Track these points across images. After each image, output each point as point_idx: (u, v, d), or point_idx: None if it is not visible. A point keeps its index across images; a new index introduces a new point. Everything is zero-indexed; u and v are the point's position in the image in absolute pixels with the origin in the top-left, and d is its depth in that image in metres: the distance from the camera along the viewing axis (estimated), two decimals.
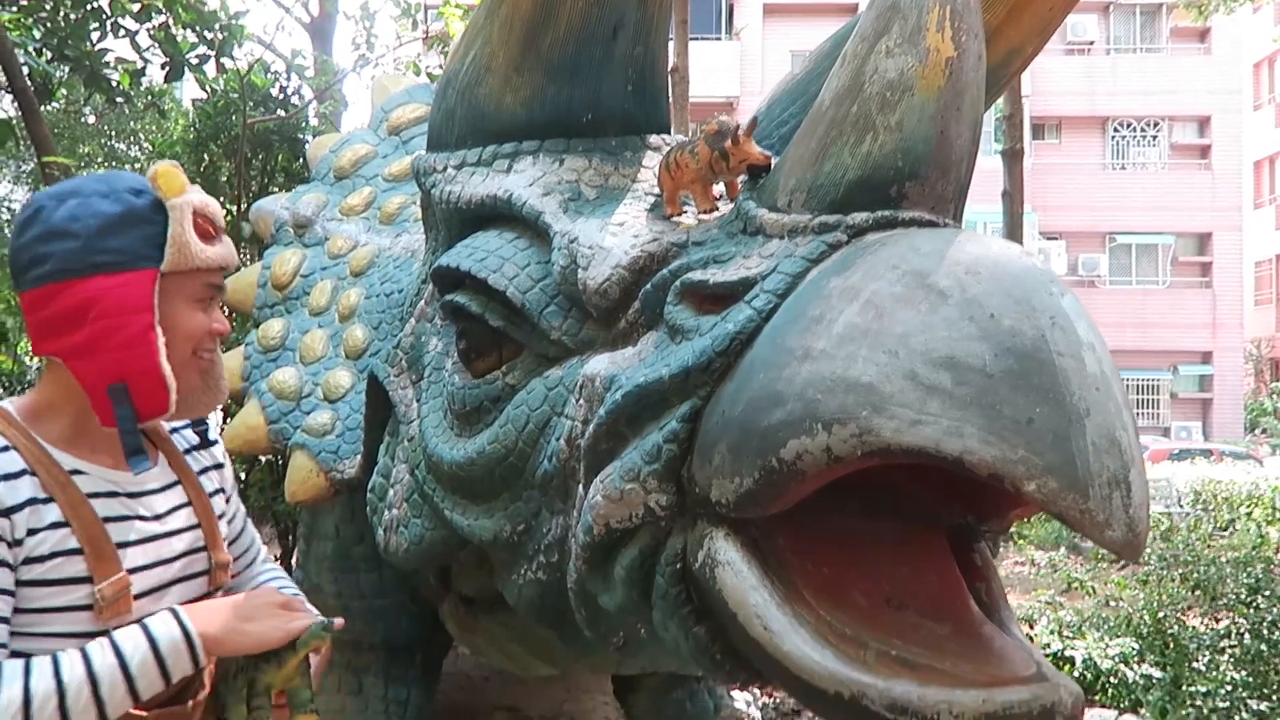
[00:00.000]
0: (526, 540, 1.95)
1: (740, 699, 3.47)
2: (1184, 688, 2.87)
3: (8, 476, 1.28)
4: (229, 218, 6.03)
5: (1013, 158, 9.67)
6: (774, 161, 1.71)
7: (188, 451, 1.61)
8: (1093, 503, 1.09)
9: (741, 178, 1.76)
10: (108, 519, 1.36)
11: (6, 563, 1.26)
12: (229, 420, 5.68)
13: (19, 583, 1.28)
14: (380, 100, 3.92)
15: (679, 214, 1.85)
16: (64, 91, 7.59)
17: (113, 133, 10.46)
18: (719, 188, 1.87)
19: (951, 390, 1.16)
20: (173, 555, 1.46)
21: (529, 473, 1.89)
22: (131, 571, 1.37)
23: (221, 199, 6.15)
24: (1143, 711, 3.72)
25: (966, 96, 1.46)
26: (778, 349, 1.37)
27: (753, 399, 1.37)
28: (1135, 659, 3.02)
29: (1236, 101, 25.62)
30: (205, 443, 1.64)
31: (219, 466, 1.67)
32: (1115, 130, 26.16)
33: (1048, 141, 25.90)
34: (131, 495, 1.42)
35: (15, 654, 1.31)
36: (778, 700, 5.09)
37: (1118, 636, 3.11)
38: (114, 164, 9.78)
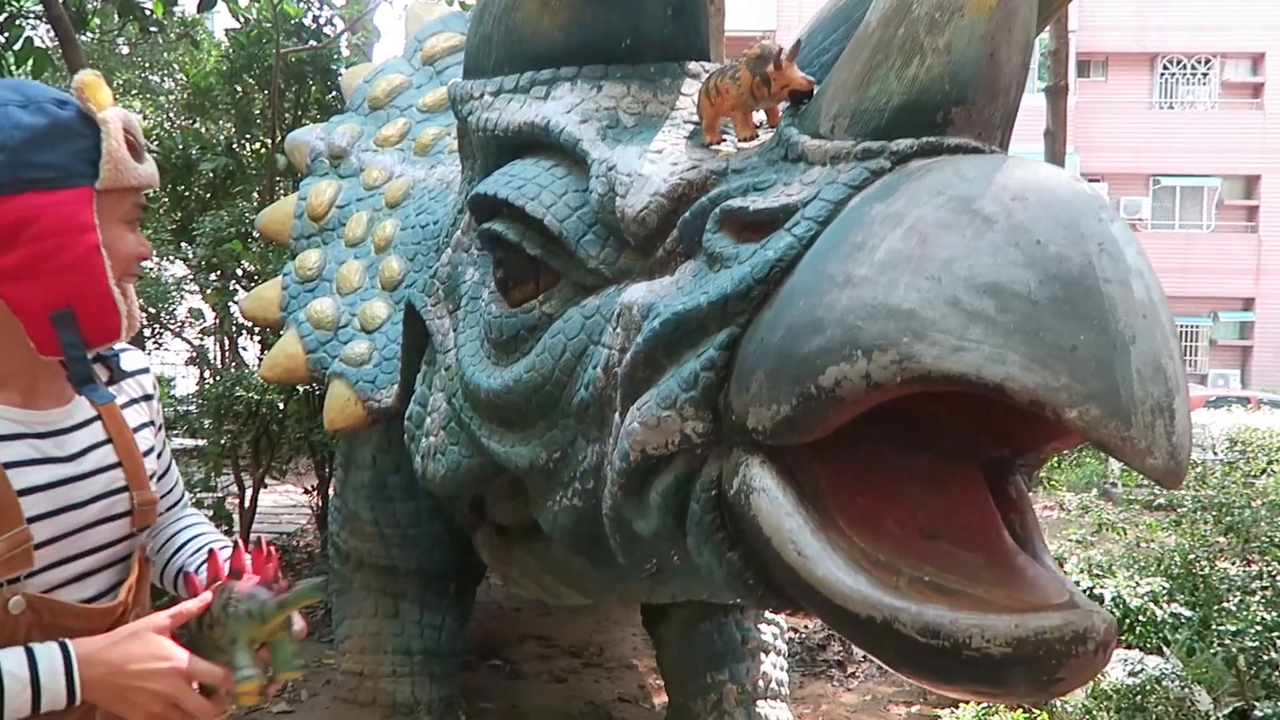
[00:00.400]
0: (562, 467, 1.98)
1: (767, 631, 3.52)
2: (1213, 627, 2.88)
3: None
4: (263, 149, 6.04)
5: (1056, 95, 9.43)
6: (816, 87, 1.68)
7: (111, 382, 1.49)
8: (1135, 430, 1.08)
9: (783, 104, 1.73)
10: (9, 464, 1.27)
11: None
12: (266, 351, 5.78)
13: None
14: (414, 29, 3.89)
15: (718, 141, 1.83)
16: (98, 22, 7.57)
17: (146, 64, 10.47)
18: (759, 115, 1.84)
19: (994, 317, 1.16)
20: (87, 498, 1.36)
21: (565, 401, 1.91)
22: (37, 519, 1.28)
23: (256, 130, 6.16)
24: (1168, 653, 3.75)
25: (1018, 17, 1.42)
26: (818, 276, 1.36)
27: (792, 326, 1.37)
28: (1165, 599, 3.03)
29: None
30: (127, 373, 1.53)
31: (148, 398, 1.56)
32: (1165, 67, 25.33)
33: (1093, 79, 25.15)
34: (41, 435, 1.33)
35: None
36: (804, 634, 5.17)
37: (1148, 576, 3.12)
38: (148, 95, 9.82)
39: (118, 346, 1.51)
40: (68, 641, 1.21)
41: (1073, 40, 13.51)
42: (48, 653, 1.20)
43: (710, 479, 1.58)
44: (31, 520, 1.27)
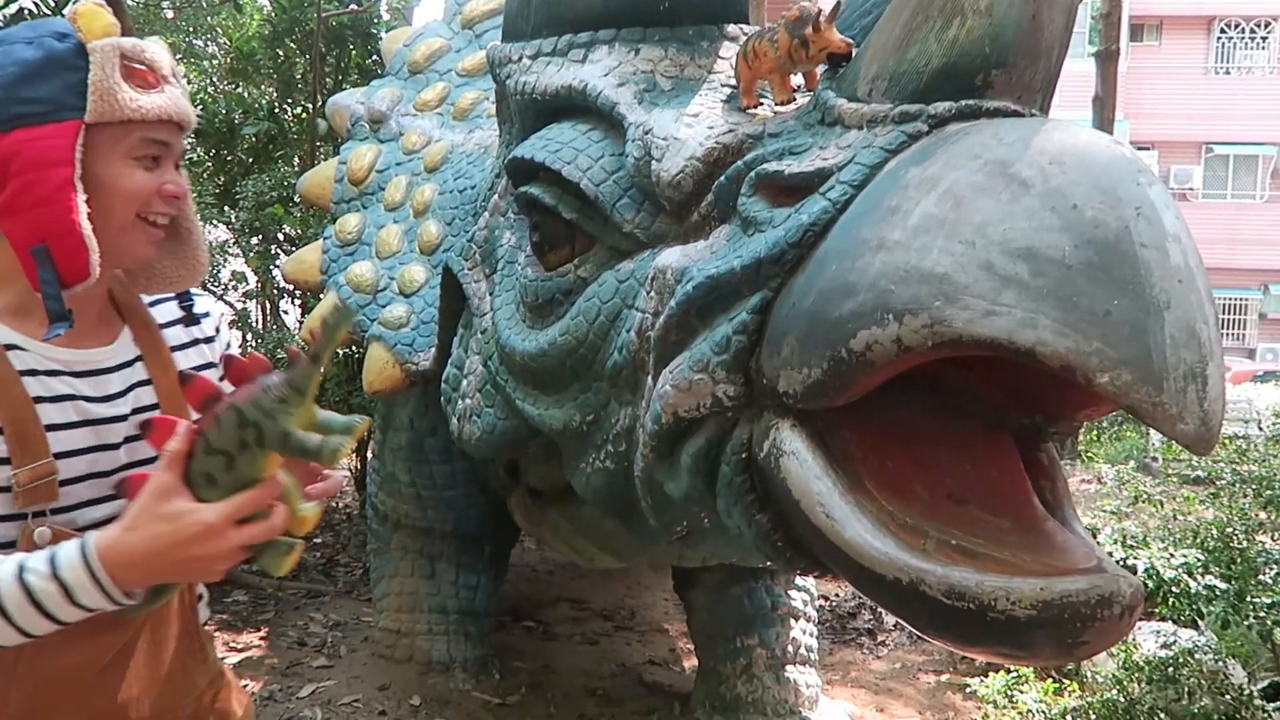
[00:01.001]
0: (595, 430, 2.01)
1: (797, 597, 3.55)
2: (1248, 600, 2.85)
3: None
4: (304, 114, 6.10)
5: (1107, 60, 9.21)
6: (855, 50, 1.66)
7: (167, 325, 1.48)
8: (1166, 396, 1.08)
9: (821, 67, 1.72)
10: (40, 399, 1.26)
11: None
12: (307, 314, 5.87)
13: None
14: None
15: (755, 105, 1.83)
16: None
17: (189, 28, 10.57)
18: (797, 78, 1.83)
19: (1028, 281, 1.15)
20: (119, 439, 1.34)
21: (599, 364, 1.93)
22: (64, 455, 1.27)
23: (297, 94, 6.21)
24: (1202, 625, 3.71)
25: None
26: (851, 240, 1.36)
27: (824, 290, 1.37)
28: (1200, 571, 3.00)
29: None
30: (191, 317, 1.51)
31: (209, 340, 1.53)
32: (1222, 30, 24.53)
33: (1146, 43, 24.42)
34: (78, 374, 1.32)
35: None
36: (834, 602, 5.20)
37: (1183, 549, 3.09)
38: (192, 60, 9.94)
39: (193, 290, 1.52)
40: (88, 535, 1.17)
41: (1125, 3, 13.13)
42: (66, 548, 1.16)
43: (741, 442, 1.60)
44: (59, 456, 1.27)
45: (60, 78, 1.23)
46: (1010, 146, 1.26)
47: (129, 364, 1.40)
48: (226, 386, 1.21)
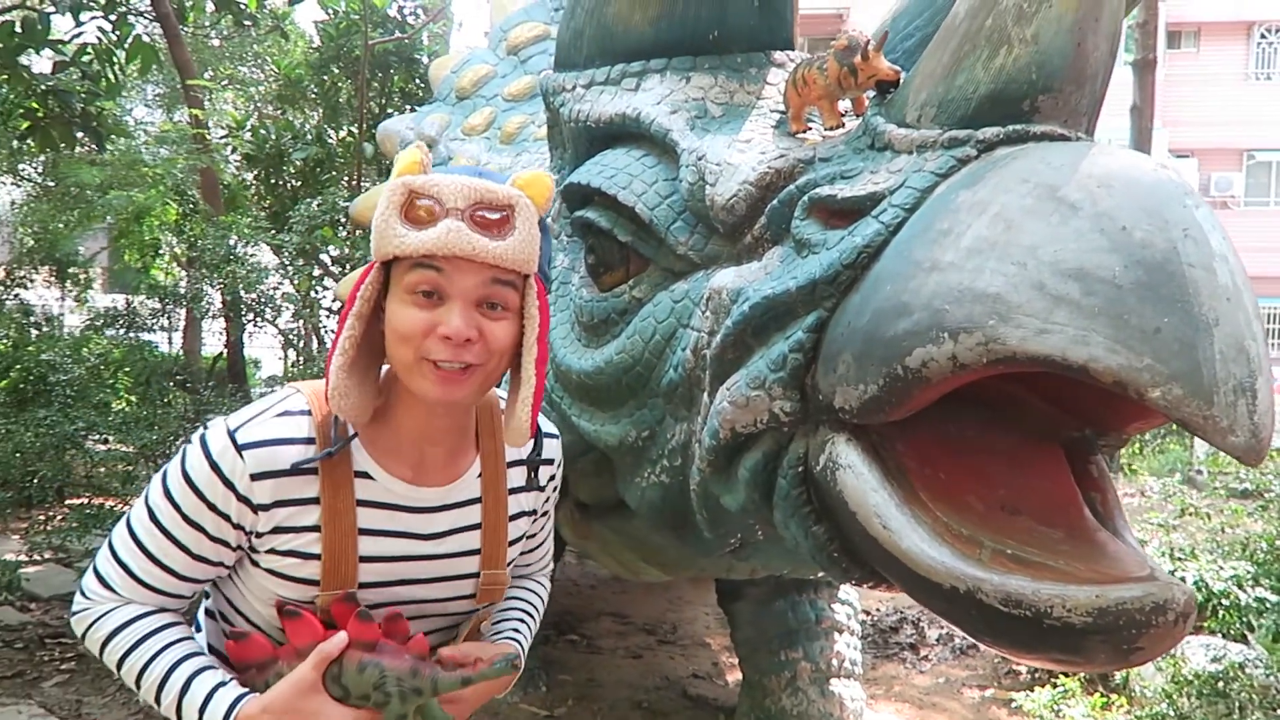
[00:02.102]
0: (651, 445, 2.07)
1: (841, 611, 3.57)
2: None
3: (285, 472, 1.27)
4: (350, 138, 6.26)
5: (1144, 68, 9.13)
6: (902, 77, 1.72)
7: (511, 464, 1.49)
8: (1217, 409, 1.12)
9: (869, 93, 1.78)
10: (368, 531, 1.32)
11: (226, 542, 1.29)
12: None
13: (257, 566, 1.32)
14: (499, 19, 3.99)
15: (804, 130, 1.89)
16: (193, 17, 7.88)
17: (236, 57, 10.85)
18: (845, 104, 1.89)
19: (1079, 300, 1.20)
20: (430, 576, 1.39)
21: (654, 381, 2.00)
22: (368, 586, 1.33)
23: (343, 119, 6.37)
24: (1251, 639, 3.68)
25: (1106, 7, 1.44)
26: (905, 261, 1.41)
27: (879, 309, 1.43)
28: (1250, 583, 2.99)
29: None
30: (534, 477, 1.52)
31: (540, 488, 1.54)
32: (1262, 36, 24.18)
33: (1184, 51, 24.13)
34: (410, 510, 1.36)
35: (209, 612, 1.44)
36: (877, 617, 5.19)
37: (1233, 561, 3.08)
38: (238, 86, 10.20)
39: (545, 429, 1.54)
40: (245, 695, 1.28)
41: (1162, 10, 13.02)
42: (223, 696, 1.27)
43: (797, 456, 1.65)
44: (364, 586, 1.33)
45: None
46: (1058, 170, 1.31)
47: (465, 504, 1.42)
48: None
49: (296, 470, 1.28)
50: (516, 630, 1.57)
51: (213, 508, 1.27)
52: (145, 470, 4.90)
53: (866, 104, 1.79)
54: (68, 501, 5.07)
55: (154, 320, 5.66)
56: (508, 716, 3.63)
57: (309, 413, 1.31)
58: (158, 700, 1.29)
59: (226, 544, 1.30)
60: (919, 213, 1.48)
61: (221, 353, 6.42)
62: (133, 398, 5.36)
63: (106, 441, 4.99)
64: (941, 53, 1.57)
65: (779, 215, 1.75)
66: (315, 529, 1.30)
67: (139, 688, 1.30)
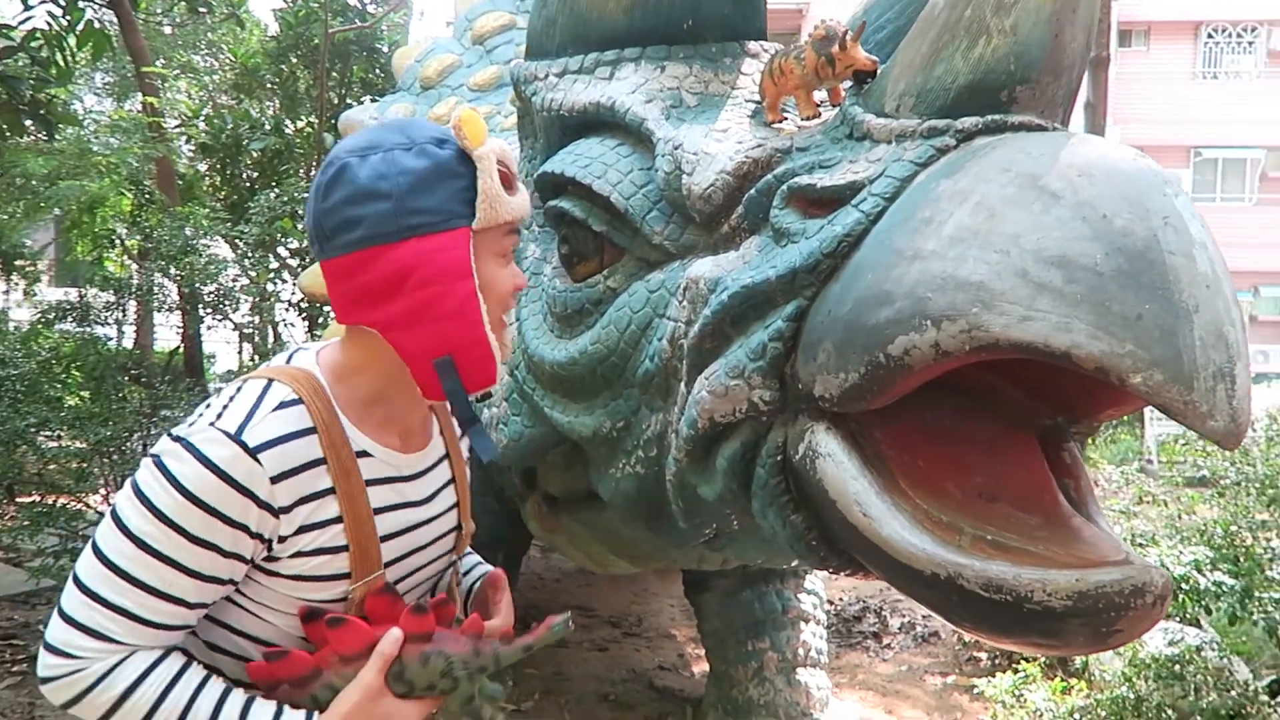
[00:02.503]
0: (626, 436, 2.06)
1: (807, 601, 3.60)
2: (1255, 595, 2.92)
3: (302, 468, 1.21)
4: (309, 129, 6.16)
5: (1098, 66, 9.28)
6: (879, 67, 1.73)
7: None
8: (1197, 394, 1.14)
9: (846, 83, 1.78)
10: (379, 509, 1.30)
11: (242, 557, 1.20)
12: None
13: (278, 575, 1.24)
14: (463, 8, 3.95)
15: (780, 120, 1.89)
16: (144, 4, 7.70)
17: (189, 45, 10.62)
18: (821, 94, 1.89)
19: (1062, 288, 1.21)
20: (430, 539, 1.40)
21: (630, 371, 1.99)
22: (390, 563, 1.32)
23: (301, 110, 6.27)
24: (1205, 623, 3.78)
25: None
26: (886, 250, 1.42)
27: (861, 298, 1.43)
28: (1208, 568, 3.07)
29: None
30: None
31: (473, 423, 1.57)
32: (1209, 36, 24.77)
33: (1134, 49, 24.65)
34: (407, 479, 1.35)
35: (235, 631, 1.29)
36: (840, 606, 5.25)
37: (1191, 546, 3.16)
38: (192, 75, 10.00)
39: None
40: (312, 715, 1.22)
41: (1114, 9, 13.26)
42: (293, 717, 1.21)
43: (776, 445, 1.65)
44: (387, 564, 1.31)
45: (448, 185, 1.23)
46: (1039, 160, 1.33)
47: (439, 462, 1.43)
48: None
49: (311, 464, 1.21)
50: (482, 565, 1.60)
51: (229, 521, 1.17)
52: (99, 467, 4.78)
53: (843, 94, 1.79)
54: (18, 499, 4.94)
55: (107, 314, 5.52)
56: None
57: (301, 401, 1.24)
58: None
59: (241, 558, 1.20)
60: (899, 202, 1.48)
61: (178, 347, 6.29)
62: (85, 393, 5.23)
63: (59, 438, 4.86)
64: (920, 43, 1.57)
65: (757, 205, 1.75)
66: (337, 520, 1.24)
67: None
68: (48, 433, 4.77)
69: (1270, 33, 24.61)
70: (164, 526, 1.15)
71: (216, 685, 1.21)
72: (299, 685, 1.26)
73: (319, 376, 1.28)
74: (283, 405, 1.22)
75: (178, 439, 1.18)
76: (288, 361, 1.34)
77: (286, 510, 1.20)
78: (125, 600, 1.16)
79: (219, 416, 1.21)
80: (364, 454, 1.28)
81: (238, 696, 1.21)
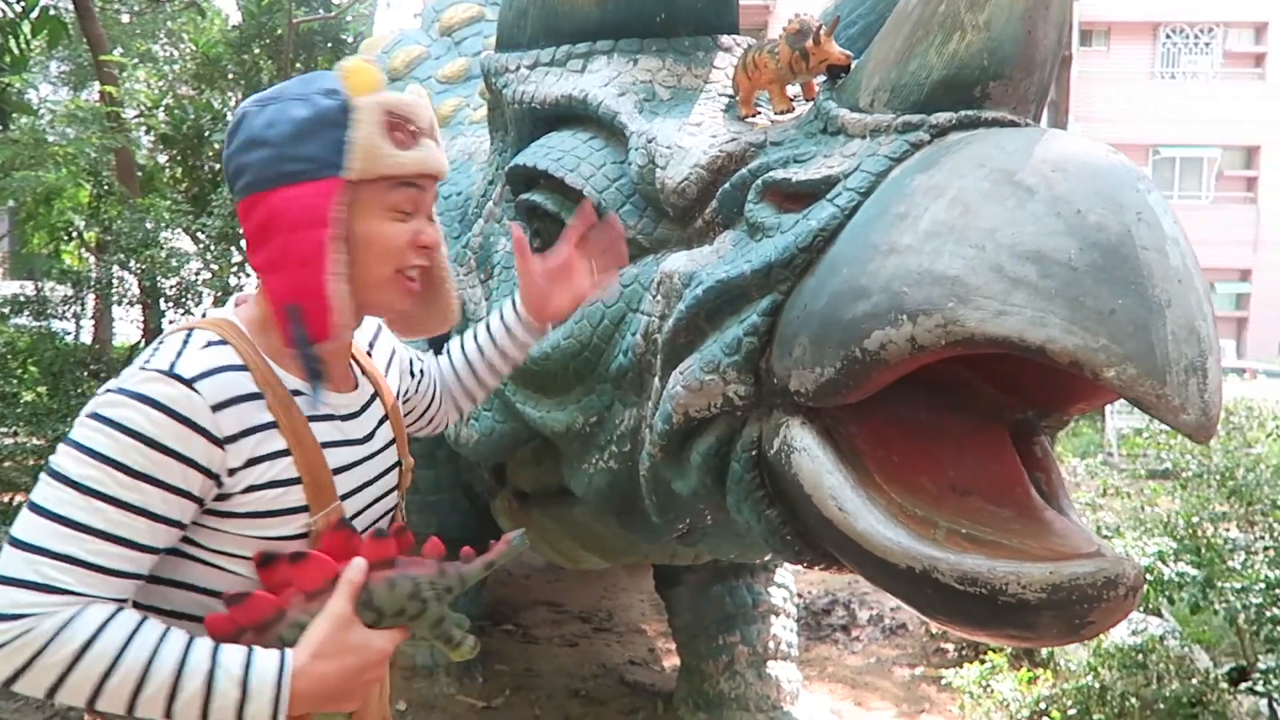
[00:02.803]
0: (599, 431, 2.05)
1: (777, 595, 3.61)
2: (1216, 585, 2.97)
3: (240, 399, 1.20)
4: None
5: (1061, 65, 9.44)
6: (853, 62, 1.73)
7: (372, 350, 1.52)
8: (1169, 388, 1.16)
9: (819, 78, 1.78)
10: (325, 444, 1.29)
11: (191, 495, 1.18)
12: None
13: (233, 515, 1.22)
14: (432, 0, 3.91)
15: (754, 115, 1.88)
16: None
17: (146, 33, 10.41)
18: (794, 89, 1.89)
19: (1037, 282, 1.22)
20: (375, 475, 1.40)
21: (603, 366, 1.98)
22: (346, 496, 1.32)
23: None
24: (1166, 613, 3.84)
25: None
26: (862, 244, 1.42)
27: (836, 292, 1.43)
28: (1171, 558, 3.12)
29: None
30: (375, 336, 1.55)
31: (394, 352, 1.58)
32: (1167, 36, 25.20)
33: (1095, 48, 25.02)
34: (344, 418, 1.36)
35: (203, 591, 1.26)
36: (809, 599, 5.28)
37: (1155, 537, 3.21)
38: (151, 64, 9.79)
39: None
40: (288, 653, 1.18)
41: (1076, 9, 13.44)
42: (265, 659, 1.17)
43: (751, 439, 1.65)
44: (343, 497, 1.31)
45: (325, 135, 1.23)
46: (1013, 155, 1.33)
47: (371, 401, 1.44)
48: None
49: (248, 396, 1.21)
50: None
51: (175, 455, 1.15)
52: None
53: (816, 89, 1.79)
54: None
55: (65, 307, 5.40)
56: (444, 709, 3.59)
57: (227, 342, 1.24)
58: (172, 698, 1.12)
59: (190, 495, 1.18)
60: (874, 196, 1.49)
61: (138, 342, 6.18)
62: (42, 389, 5.11)
63: (15, 434, 4.75)
64: (894, 38, 1.58)
65: (731, 199, 1.74)
66: (285, 453, 1.24)
67: (138, 696, 1.12)
68: (3, 429, 4.67)
69: (1227, 34, 25.10)
70: (111, 469, 1.13)
71: (179, 634, 1.17)
72: (263, 630, 1.23)
73: (238, 324, 1.29)
74: (211, 344, 1.23)
75: (111, 391, 1.18)
76: (203, 316, 1.35)
77: (232, 440, 1.19)
78: (74, 549, 1.12)
79: (147, 363, 1.20)
80: (297, 393, 1.29)
81: (205, 642, 1.17)
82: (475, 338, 1.72)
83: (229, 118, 5.74)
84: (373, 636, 1.22)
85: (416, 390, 1.65)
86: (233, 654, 1.16)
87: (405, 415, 1.63)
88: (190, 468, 1.16)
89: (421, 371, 1.66)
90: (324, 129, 1.23)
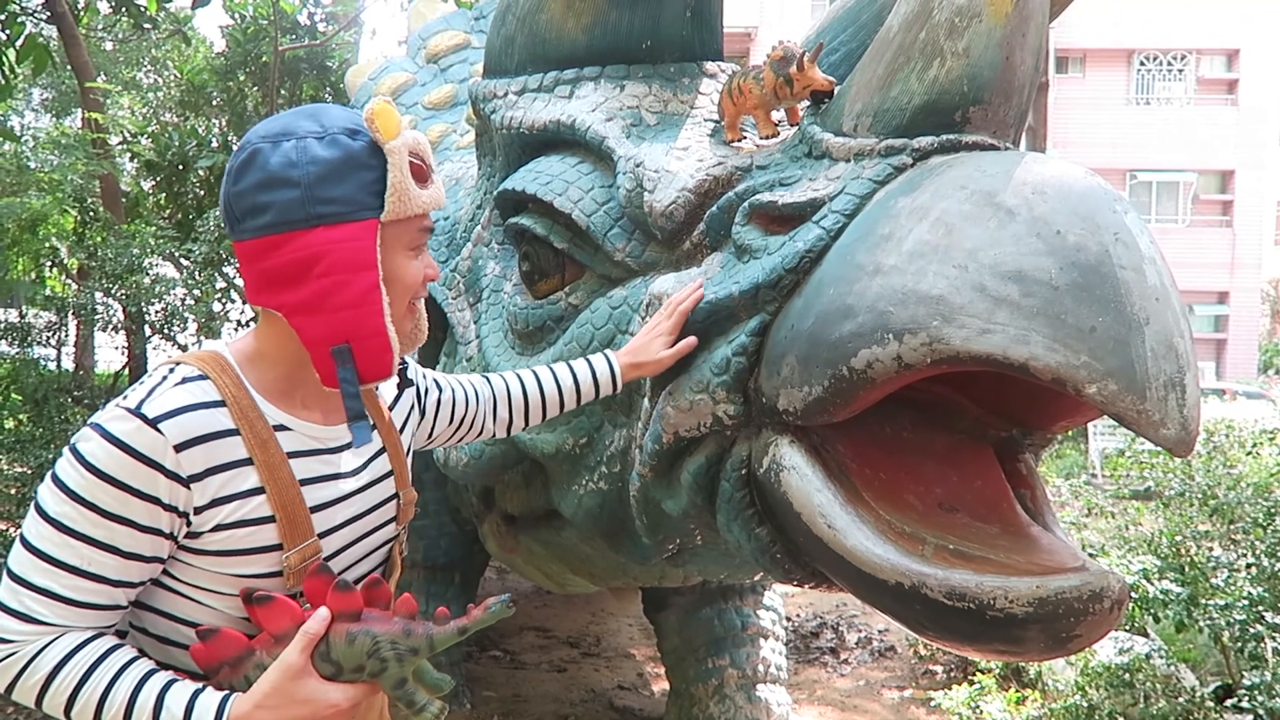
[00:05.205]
0: (588, 452, 2.06)
1: (766, 617, 3.61)
2: (1201, 603, 3.00)
3: (209, 437, 1.21)
4: None
5: (1037, 92, 9.57)
6: (837, 88, 1.76)
7: (401, 386, 1.55)
8: (1149, 404, 1.18)
9: (803, 103, 1.82)
10: (305, 481, 1.29)
11: (161, 531, 1.20)
12: None
13: (204, 551, 1.23)
14: (417, 27, 3.94)
15: (739, 139, 1.92)
16: (86, 19, 7.54)
17: (130, 61, 10.43)
18: (779, 114, 1.92)
19: (1019, 301, 1.25)
20: (367, 508, 1.40)
21: None
22: (325, 534, 1.32)
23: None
24: (1152, 632, 3.87)
25: (1032, 23, 1.51)
26: (848, 265, 1.45)
27: (823, 312, 1.45)
28: (1156, 577, 3.15)
29: (1266, 33, 25.03)
30: (405, 381, 1.56)
31: (410, 384, 1.59)
32: (1141, 63, 25.65)
33: (1071, 75, 25.43)
34: (333, 451, 1.35)
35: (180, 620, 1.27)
36: (797, 622, 5.28)
37: (1139, 556, 3.24)
38: (135, 92, 9.80)
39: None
40: (231, 699, 1.19)
41: (1051, 36, 13.69)
42: (206, 701, 1.18)
43: (740, 458, 1.67)
44: (323, 535, 1.31)
45: (358, 177, 1.24)
46: (994, 178, 1.36)
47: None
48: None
49: (220, 434, 1.22)
50: None
51: (139, 494, 1.17)
52: None
53: (800, 114, 1.83)
54: None
55: (49, 334, 5.37)
56: None
57: (206, 377, 1.25)
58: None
59: (160, 533, 1.20)
60: (859, 218, 1.52)
61: (122, 368, 6.14)
62: (24, 416, 5.07)
63: None
64: (876, 64, 1.61)
65: (718, 222, 1.77)
66: (258, 491, 1.24)
67: None
68: None
69: (1199, 60, 25.57)
70: (79, 506, 1.17)
71: (140, 667, 1.20)
72: (235, 666, 1.24)
73: (227, 357, 1.30)
74: (187, 380, 1.24)
75: (89, 424, 1.21)
76: (198, 348, 1.37)
77: (197, 479, 1.20)
78: (49, 582, 1.18)
79: (124, 398, 1.23)
80: (281, 428, 1.29)
81: (159, 678, 1.19)
82: (557, 383, 1.77)
83: (213, 144, 5.77)
84: (328, 690, 1.21)
85: (438, 411, 1.66)
86: (178, 695, 1.19)
87: (451, 424, 1.67)
88: (156, 505, 1.19)
89: (439, 386, 1.68)
90: (356, 170, 1.24)
